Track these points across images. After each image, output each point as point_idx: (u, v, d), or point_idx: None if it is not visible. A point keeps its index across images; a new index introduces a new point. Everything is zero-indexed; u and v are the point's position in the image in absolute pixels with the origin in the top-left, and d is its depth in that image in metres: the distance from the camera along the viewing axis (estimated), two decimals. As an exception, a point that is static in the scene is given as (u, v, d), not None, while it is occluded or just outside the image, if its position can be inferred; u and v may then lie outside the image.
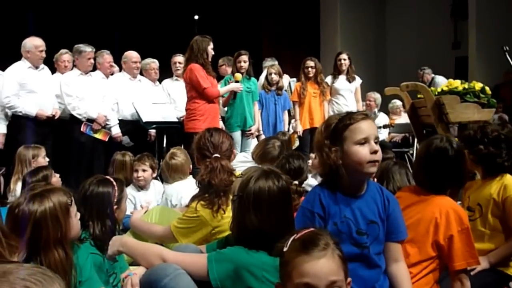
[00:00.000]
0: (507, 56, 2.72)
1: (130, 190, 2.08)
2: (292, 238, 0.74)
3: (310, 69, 3.30)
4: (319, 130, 1.02)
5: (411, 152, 3.75)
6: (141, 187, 2.11)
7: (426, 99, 1.85)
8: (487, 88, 1.81)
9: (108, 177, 1.31)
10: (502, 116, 4.59)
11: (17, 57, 2.93)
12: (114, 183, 1.27)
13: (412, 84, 1.97)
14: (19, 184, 2.14)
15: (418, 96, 1.95)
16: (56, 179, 1.87)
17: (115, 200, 1.25)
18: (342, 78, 3.52)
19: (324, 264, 0.69)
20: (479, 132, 1.34)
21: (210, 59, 2.76)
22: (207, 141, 1.42)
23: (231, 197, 1.26)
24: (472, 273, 1.21)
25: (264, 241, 0.92)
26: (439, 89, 1.82)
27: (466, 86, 1.76)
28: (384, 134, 4.06)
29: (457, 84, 1.78)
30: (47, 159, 2.35)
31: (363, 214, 0.96)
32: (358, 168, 0.93)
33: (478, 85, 1.78)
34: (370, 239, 0.98)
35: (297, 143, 3.47)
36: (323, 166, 0.98)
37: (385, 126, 4.00)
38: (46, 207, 0.93)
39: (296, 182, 1.50)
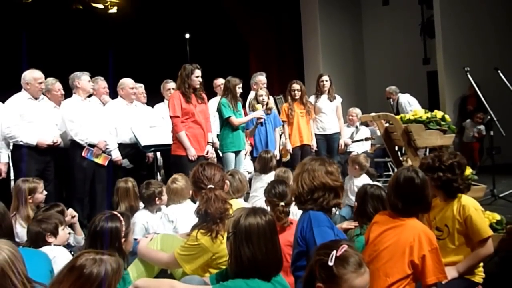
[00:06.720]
0: (468, 75, 2.98)
1: (143, 215, 2.11)
2: (333, 253, 0.90)
3: (296, 91, 3.46)
4: None
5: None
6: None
7: (396, 127, 2.00)
8: (446, 116, 1.99)
9: (115, 212, 1.37)
10: (481, 132, 4.77)
11: (13, 87, 2.87)
12: (121, 218, 1.34)
13: (383, 115, 2.14)
14: (17, 224, 1.95)
15: (390, 122, 2.11)
16: (68, 218, 1.89)
17: (123, 234, 1.32)
18: (324, 97, 3.68)
19: (367, 278, 0.92)
20: (437, 161, 1.49)
21: (197, 86, 2.79)
22: (201, 175, 1.51)
23: (227, 222, 1.35)
24: (443, 281, 1.33)
25: (257, 269, 1.03)
26: (407, 117, 1.98)
27: (429, 115, 1.93)
28: (367, 146, 4.23)
29: (421, 113, 1.95)
30: (45, 193, 2.17)
31: None
32: None
33: (439, 114, 1.95)
34: None
35: (288, 157, 3.63)
36: None
37: (367, 139, 4.17)
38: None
39: (283, 203, 1.62)
